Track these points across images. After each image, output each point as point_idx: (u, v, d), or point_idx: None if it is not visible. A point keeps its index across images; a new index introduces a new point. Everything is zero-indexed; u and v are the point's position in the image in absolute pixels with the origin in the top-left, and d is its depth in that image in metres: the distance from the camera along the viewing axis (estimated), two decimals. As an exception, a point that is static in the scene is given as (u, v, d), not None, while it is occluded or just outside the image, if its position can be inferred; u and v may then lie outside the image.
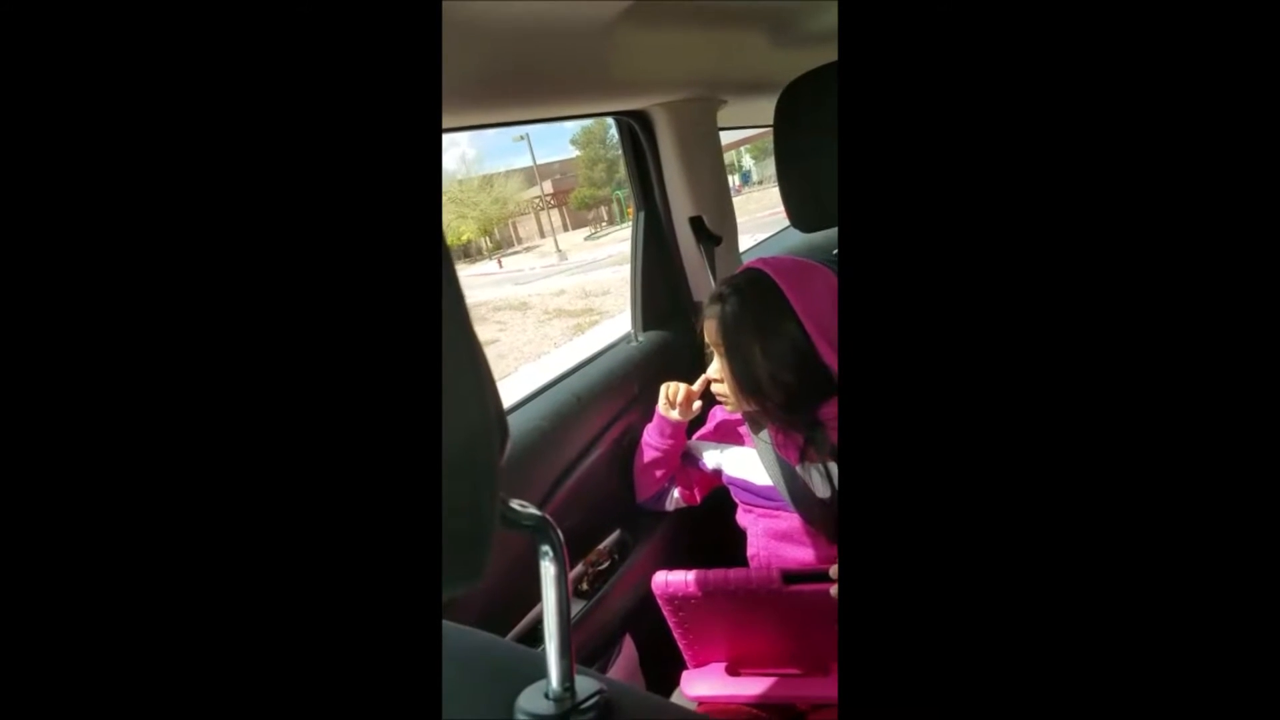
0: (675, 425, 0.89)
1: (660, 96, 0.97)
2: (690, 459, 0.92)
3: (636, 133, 1.03)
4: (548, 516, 0.31)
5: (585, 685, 0.31)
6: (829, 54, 0.87)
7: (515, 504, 0.30)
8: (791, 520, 0.80)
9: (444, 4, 0.56)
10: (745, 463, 0.85)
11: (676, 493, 0.92)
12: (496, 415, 0.25)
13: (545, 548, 0.31)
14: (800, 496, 0.80)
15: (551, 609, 0.31)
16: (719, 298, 0.79)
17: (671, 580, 0.72)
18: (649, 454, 0.91)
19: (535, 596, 0.79)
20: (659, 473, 0.91)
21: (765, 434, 0.82)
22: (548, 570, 0.31)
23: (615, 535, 0.96)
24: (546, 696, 0.31)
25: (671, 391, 0.88)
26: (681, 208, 1.06)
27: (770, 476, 0.82)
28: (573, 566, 0.91)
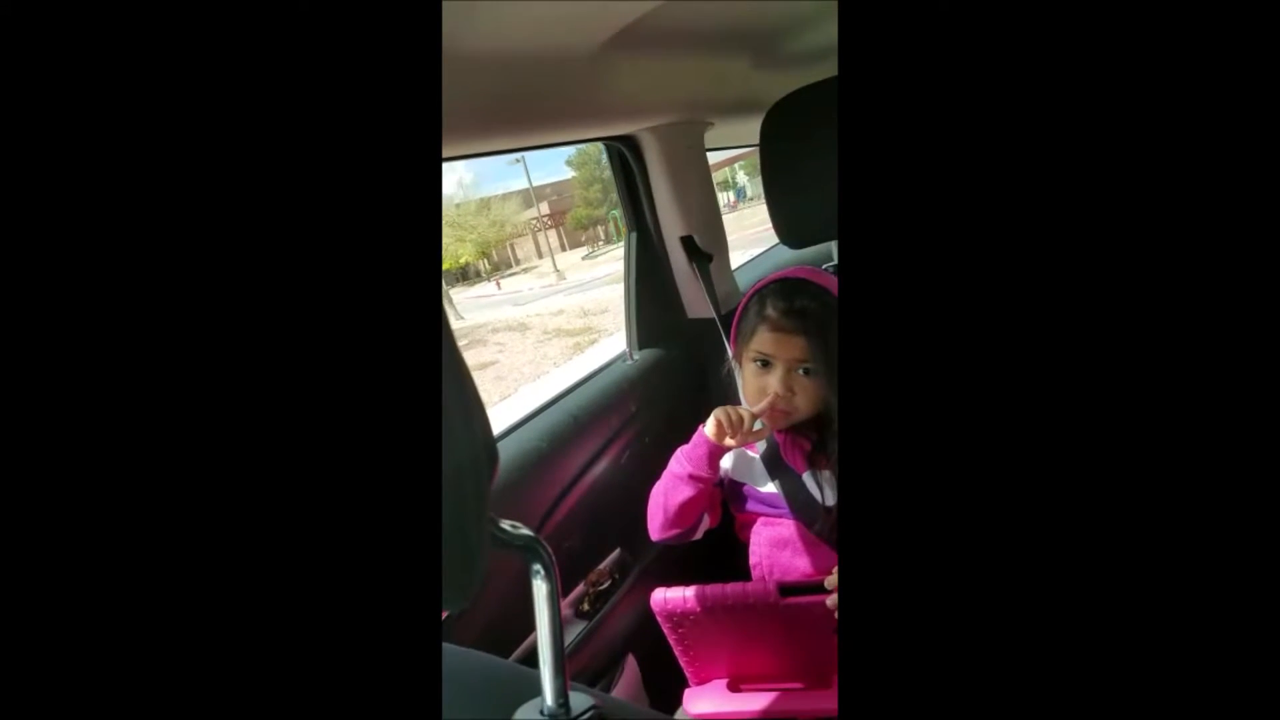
0: (723, 453, 0.79)
1: (647, 121, 0.99)
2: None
3: (626, 156, 1.05)
4: (538, 536, 0.32)
5: (580, 701, 0.32)
6: (811, 75, 0.89)
7: (506, 524, 0.31)
8: (793, 528, 0.81)
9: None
10: (750, 468, 0.85)
11: (706, 516, 0.85)
12: (485, 440, 0.25)
13: (537, 566, 0.31)
14: (801, 504, 0.80)
15: (544, 627, 0.32)
16: (804, 314, 0.76)
17: (670, 597, 0.72)
18: (691, 487, 0.79)
19: (529, 628, 0.79)
20: (699, 506, 0.82)
21: (770, 439, 0.83)
22: (540, 589, 0.32)
23: (615, 555, 0.96)
24: (542, 713, 0.31)
25: (735, 416, 0.76)
26: (672, 227, 1.07)
27: (773, 482, 0.82)
28: (573, 587, 0.91)
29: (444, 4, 0.57)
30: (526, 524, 0.31)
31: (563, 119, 0.85)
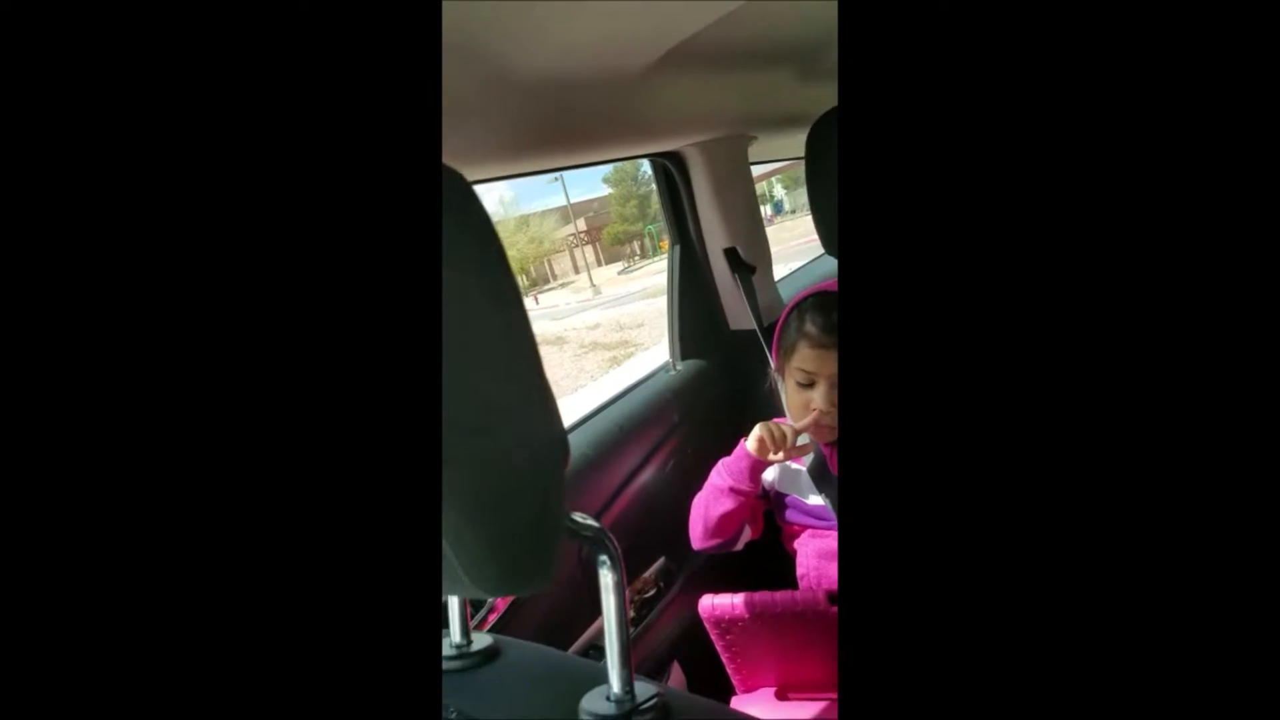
0: (765, 467, 0.80)
1: (693, 137, 1.01)
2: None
3: (670, 171, 1.07)
4: (605, 528, 0.33)
5: (643, 689, 0.33)
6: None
7: (576, 516, 0.33)
8: None
9: (483, 60, 0.61)
10: (797, 480, 0.85)
11: (748, 528, 0.85)
12: (558, 433, 0.27)
13: (603, 557, 0.33)
14: None
15: (611, 616, 0.33)
16: (835, 328, 0.75)
17: (718, 603, 0.73)
18: (732, 500, 0.80)
19: (582, 626, 0.80)
20: (740, 518, 0.82)
21: (818, 451, 0.83)
22: (606, 578, 0.33)
23: (660, 563, 0.97)
24: (608, 699, 0.33)
25: (778, 433, 0.76)
26: (716, 240, 1.09)
27: (821, 495, 0.82)
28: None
29: (499, 31, 0.60)
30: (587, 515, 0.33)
31: (612, 137, 0.88)
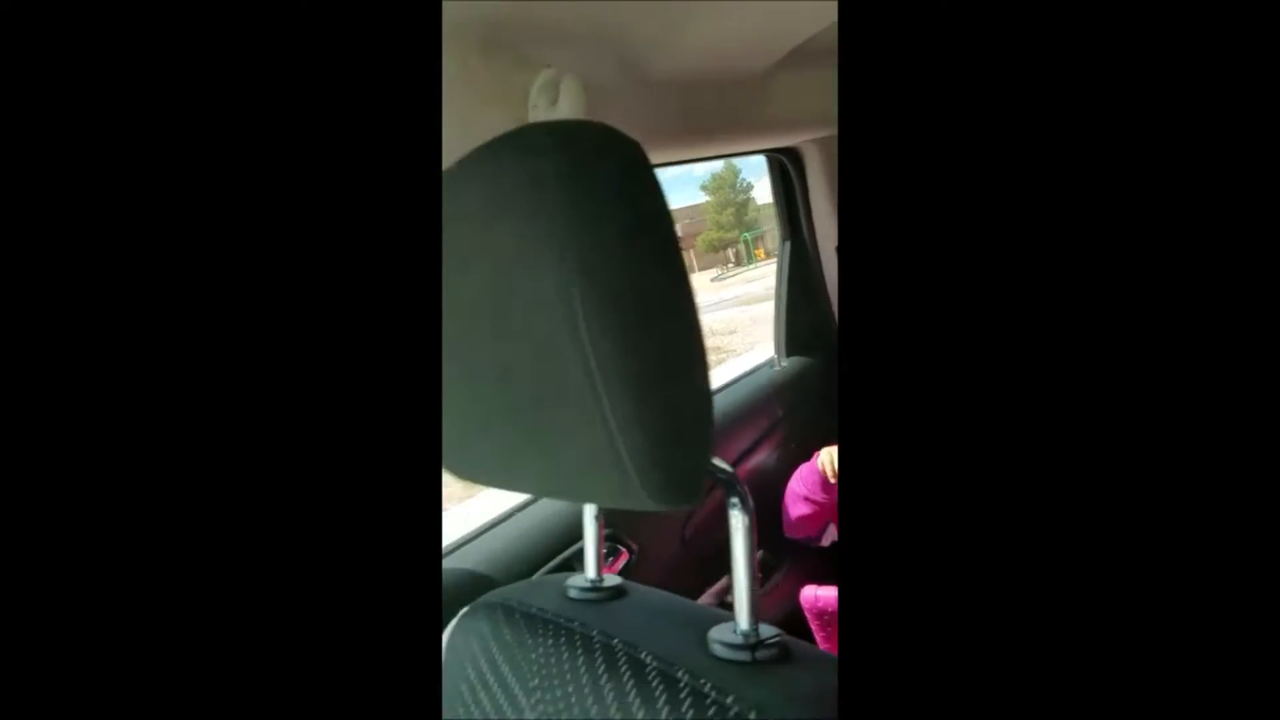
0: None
1: (811, 133, 1.02)
2: None
3: (786, 167, 1.08)
4: (735, 473, 0.36)
5: (767, 629, 0.36)
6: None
7: (716, 461, 0.36)
8: None
9: (623, 60, 0.66)
10: None
11: (833, 528, 0.89)
12: (709, 384, 0.31)
13: (734, 499, 0.36)
14: None
15: (740, 556, 0.36)
16: None
17: (821, 595, 0.73)
18: (807, 506, 0.85)
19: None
20: (818, 521, 0.87)
21: None
22: (737, 519, 0.36)
23: (759, 555, 0.98)
24: (734, 632, 0.35)
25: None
26: (828, 238, 1.09)
27: None
28: (716, 581, 0.94)
29: (642, 33, 0.65)
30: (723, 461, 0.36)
31: (732, 133, 0.91)
